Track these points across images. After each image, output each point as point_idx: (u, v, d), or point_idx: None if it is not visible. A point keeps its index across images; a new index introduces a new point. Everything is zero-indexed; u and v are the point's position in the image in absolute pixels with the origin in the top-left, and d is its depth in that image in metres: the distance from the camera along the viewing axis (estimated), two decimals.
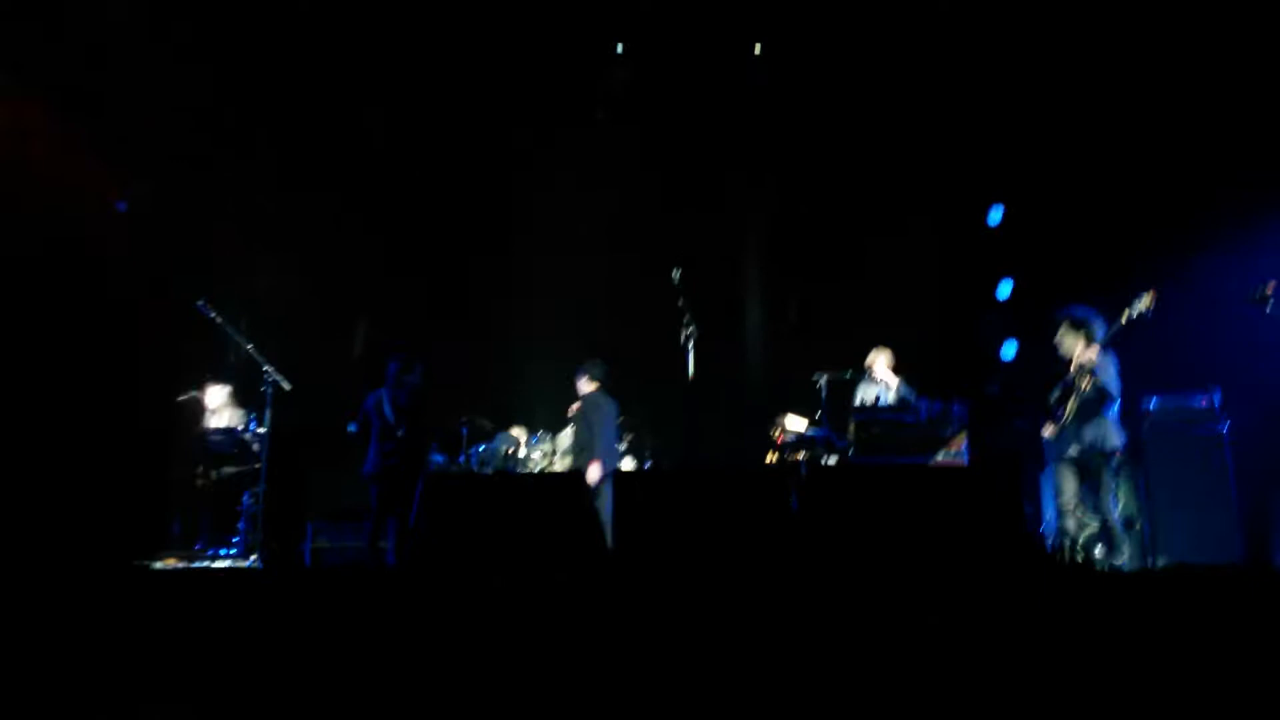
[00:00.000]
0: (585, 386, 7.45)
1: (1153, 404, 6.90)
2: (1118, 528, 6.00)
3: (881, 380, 7.43)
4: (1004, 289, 8.77)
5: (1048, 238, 8.27)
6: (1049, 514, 6.56)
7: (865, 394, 7.49)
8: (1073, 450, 6.03)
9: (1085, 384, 5.97)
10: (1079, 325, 6.16)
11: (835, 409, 7.50)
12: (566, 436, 7.80)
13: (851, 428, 6.89)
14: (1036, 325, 8.15)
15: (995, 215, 8.79)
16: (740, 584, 3.40)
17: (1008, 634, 3.15)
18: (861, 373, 7.53)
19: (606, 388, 7.47)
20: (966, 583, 3.38)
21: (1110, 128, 7.92)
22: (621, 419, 7.88)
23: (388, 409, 6.91)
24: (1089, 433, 5.97)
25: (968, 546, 3.78)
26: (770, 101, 8.74)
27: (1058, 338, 6.29)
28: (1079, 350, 6.06)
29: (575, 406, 7.49)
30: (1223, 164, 7.44)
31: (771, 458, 7.62)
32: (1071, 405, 6.05)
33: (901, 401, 7.22)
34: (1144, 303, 5.83)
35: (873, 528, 3.86)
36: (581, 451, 7.27)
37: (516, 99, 8.65)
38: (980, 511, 3.85)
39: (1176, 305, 6.27)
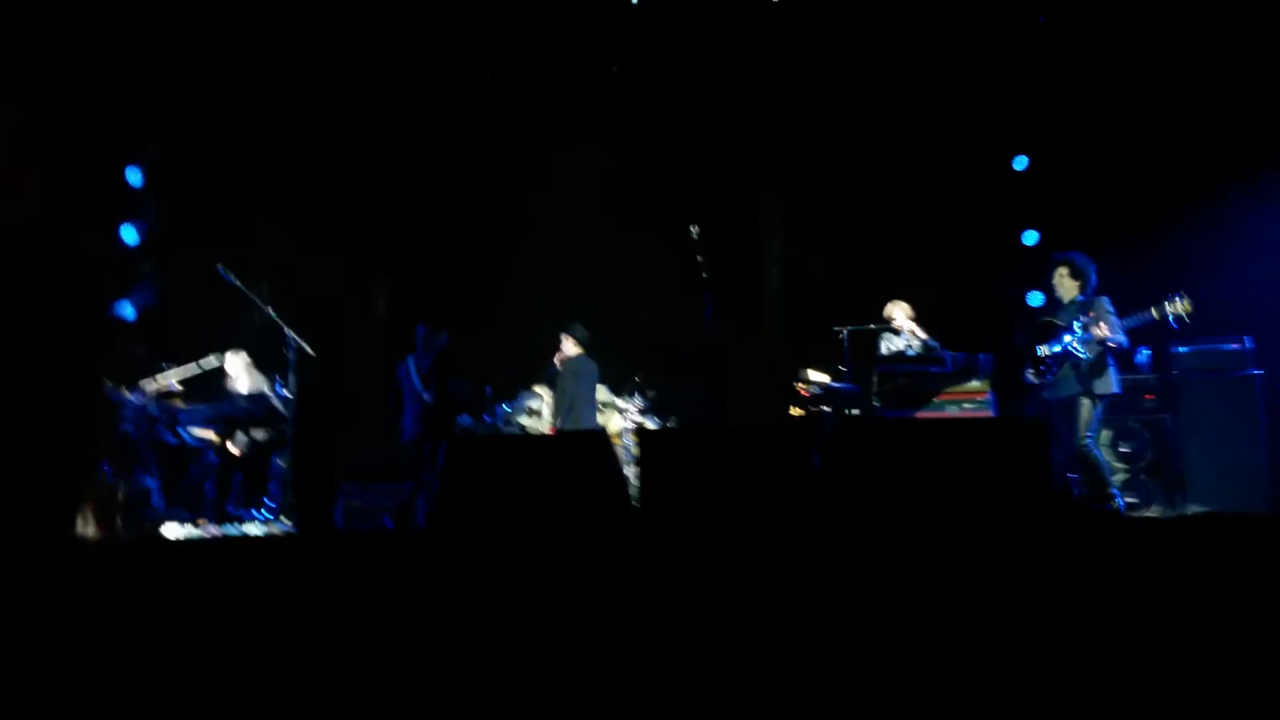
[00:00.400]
0: (570, 349, 7.47)
1: (1184, 349, 6.82)
2: (1098, 459, 5.94)
3: (905, 330, 7.35)
4: (1030, 237, 8.64)
5: (1075, 183, 8.13)
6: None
7: (891, 345, 7.41)
8: (1070, 392, 5.97)
9: (1093, 352, 5.88)
10: (1078, 274, 6.11)
11: (858, 361, 7.45)
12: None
13: (875, 379, 6.84)
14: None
15: (1021, 162, 8.64)
16: (765, 541, 3.39)
17: (1039, 586, 3.13)
18: (883, 324, 7.45)
19: (588, 351, 7.50)
20: (995, 534, 3.36)
21: (1138, 68, 7.74)
22: (641, 376, 7.86)
23: (414, 375, 6.98)
24: (1091, 378, 5.90)
25: (996, 497, 3.75)
26: (787, 49, 8.58)
27: (1054, 281, 6.23)
28: (1091, 317, 5.96)
29: (558, 360, 7.54)
30: (1257, 108, 7.27)
31: (796, 412, 7.60)
32: (1066, 369, 5.97)
33: (928, 351, 7.15)
34: (1179, 307, 5.66)
35: (898, 481, 3.84)
36: (568, 414, 7.32)
37: (535, 58, 8.57)
38: (1009, 462, 3.82)
39: (1210, 252, 6.16)
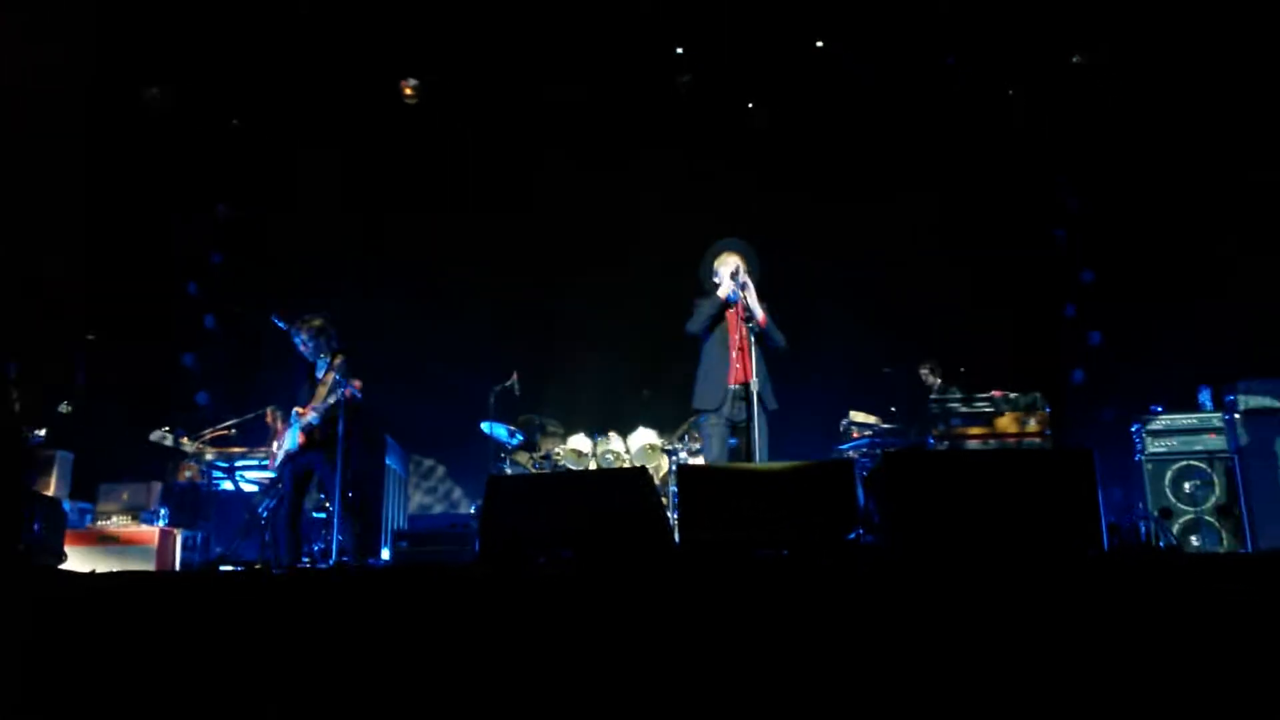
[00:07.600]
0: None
1: (1244, 384, 6.62)
2: None
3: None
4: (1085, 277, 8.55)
5: (1131, 225, 8.05)
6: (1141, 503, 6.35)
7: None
8: None
9: None
10: None
11: (909, 402, 7.39)
12: (639, 437, 7.76)
13: (925, 419, 6.76)
14: (1121, 314, 7.92)
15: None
16: (810, 574, 3.33)
17: (1087, 620, 3.04)
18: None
19: None
20: (1043, 566, 3.26)
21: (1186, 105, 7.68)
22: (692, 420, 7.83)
23: None
24: None
25: (1044, 530, 3.65)
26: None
27: None
28: None
29: None
30: None
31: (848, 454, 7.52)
32: None
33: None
34: None
35: (943, 513, 3.76)
36: None
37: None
38: (1056, 494, 3.72)
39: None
